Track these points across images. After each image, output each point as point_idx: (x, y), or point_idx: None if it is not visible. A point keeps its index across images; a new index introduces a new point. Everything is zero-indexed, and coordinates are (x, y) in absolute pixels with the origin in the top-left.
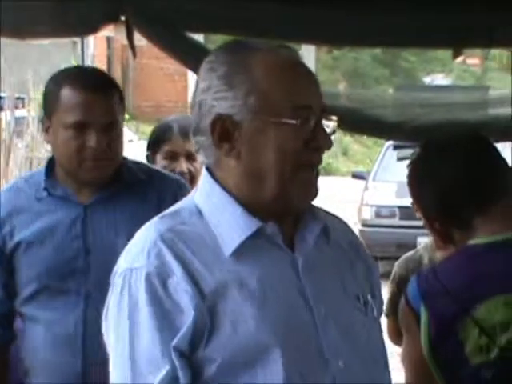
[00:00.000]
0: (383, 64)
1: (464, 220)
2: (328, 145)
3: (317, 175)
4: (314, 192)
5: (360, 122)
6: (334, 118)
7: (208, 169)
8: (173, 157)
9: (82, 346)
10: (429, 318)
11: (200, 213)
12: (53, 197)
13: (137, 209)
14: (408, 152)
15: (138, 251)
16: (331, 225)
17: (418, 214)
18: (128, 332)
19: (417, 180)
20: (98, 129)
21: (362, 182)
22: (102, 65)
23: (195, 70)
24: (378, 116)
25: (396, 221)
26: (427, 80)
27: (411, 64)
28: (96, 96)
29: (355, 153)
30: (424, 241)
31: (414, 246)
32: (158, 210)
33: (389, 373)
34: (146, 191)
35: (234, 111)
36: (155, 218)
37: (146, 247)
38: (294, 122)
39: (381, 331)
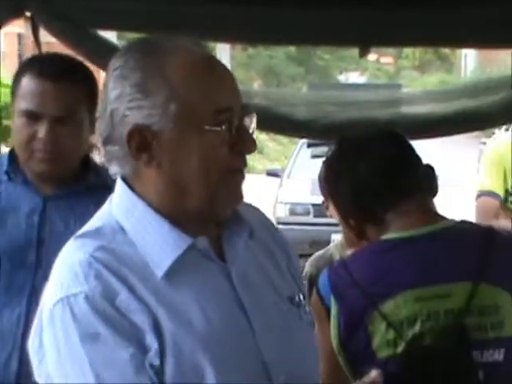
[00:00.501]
0: (298, 62)
1: (379, 216)
2: (254, 147)
3: (242, 178)
4: (240, 196)
5: (272, 120)
6: (254, 114)
7: (124, 180)
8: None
9: (20, 345)
10: (339, 310)
11: (123, 230)
12: (13, 182)
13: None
14: (322, 149)
15: (71, 276)
16: (252, 220)
17: (329, 213)
18: (88, 362)
19: (332, 177)
20: (51, 120)
21: (277, 180)
22: (12, 62)
23: (105, 68)
24: (290, 114)
25: (310, 218)
26: (342, 78)
27: (326, 62)
28: (52, 86)
29: (270, 151)
30: (338, 238)
31: (328, 243)
32: None
33: (319, 374)
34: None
35: (152, 121)
36: (73, 239)
37: (80, 270)
38: (218, 129)
39: (313, 333)
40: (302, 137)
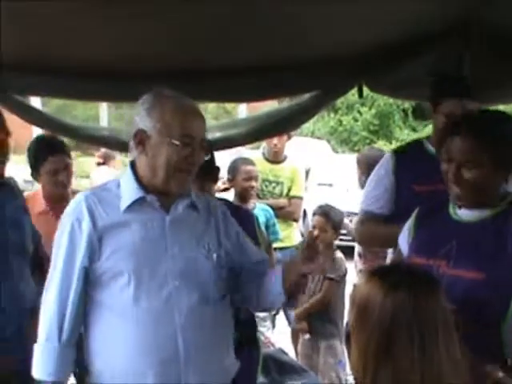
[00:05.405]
0: None
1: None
2: (198, 162)
3: (190, 177)
4: (186, 185)
5: None
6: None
7: (131, 163)
8: None
9: None
10: None
11: (118, 185)
12: None
13: (19, 216)
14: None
15: (73, 203)
16: (203, 203)
17: None
18: (60, 246)
19: None
20: None
21: None
22: None
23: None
24: None
25: None
26: None
27: None
28: None
29: None
30: None
31: None
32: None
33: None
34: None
35: (148, 129)
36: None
37: (76, 201)
38: (177, 143)
39: (217, 273)
40: None
